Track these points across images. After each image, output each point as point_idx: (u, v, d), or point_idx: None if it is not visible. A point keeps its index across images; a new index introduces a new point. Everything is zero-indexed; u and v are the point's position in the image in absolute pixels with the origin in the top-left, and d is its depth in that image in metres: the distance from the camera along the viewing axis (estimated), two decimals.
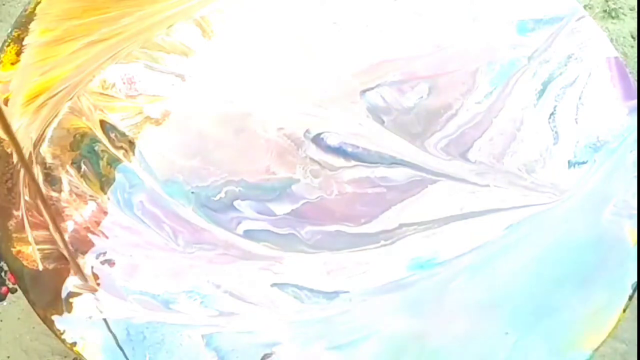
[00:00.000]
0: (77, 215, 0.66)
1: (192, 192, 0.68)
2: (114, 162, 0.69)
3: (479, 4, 0.82)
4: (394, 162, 0.72)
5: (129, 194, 0.67)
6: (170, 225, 0.66)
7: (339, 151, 0.72)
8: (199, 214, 0.67)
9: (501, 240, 0.67)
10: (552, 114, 0.75)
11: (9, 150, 0.68)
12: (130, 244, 0.64)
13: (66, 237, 0.64)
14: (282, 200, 0.69)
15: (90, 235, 0.65)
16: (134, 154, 0.70)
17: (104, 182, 0.68)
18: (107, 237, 0.65)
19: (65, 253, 0.61)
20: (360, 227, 0.68)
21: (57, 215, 0.65)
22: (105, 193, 0.67)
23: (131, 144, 0.70)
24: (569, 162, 0.72)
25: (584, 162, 0.72)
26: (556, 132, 0.73)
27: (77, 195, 0.67)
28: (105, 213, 0.66)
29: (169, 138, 0.72)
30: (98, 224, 0.65)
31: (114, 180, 0.68)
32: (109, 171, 0.68)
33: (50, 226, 0.60)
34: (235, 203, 0.68)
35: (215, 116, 0.73)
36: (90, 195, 0.67)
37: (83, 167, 0.68)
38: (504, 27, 0.80)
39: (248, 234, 0.67)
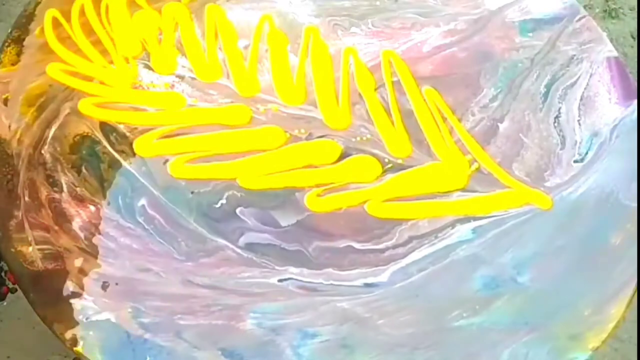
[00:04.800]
0: (77, 219, 0.66)
1: (192, 192, 0.68)
2: (114, 165, 0.69)
3: (479, 4, 0.82)
4: (402, 169, 0.71)
5: (130, 199, 0.67)
6: (172, 232, 0.66)
7: (343, 157, 0.72)
8: (201, 223, 0.66)
9: (504, 242, 0.67)
10: (556, 117, 0.75)
11: (9, 152, 0.68)
12: (131, 250, 0.64)
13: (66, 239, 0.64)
14: (286, 208, 0.68)
15: (91, 241, 0.65)
16: (134, 156, 0.69)
17: (105, 186, 0.67)
18: (108, 242, 0.65)
19: None
20: (370, 243, 0.67)
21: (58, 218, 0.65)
22: (106, 197, 0.67)
23: (132, 146, 0.70)
24: (572, 163, 0.72)
25: (585, 163, 0.72)
26: (563, 137, 0.73)
27: (77, 198, 0.66)
28: (106, 218, 0.66)
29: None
30: (98, 228, 0.65)
31: (115, 184, 0.67)
32: (109, 174, 0.68)
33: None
34: (238, 211, 0.67)
35: (215, 117, 0.73)
36: (91, 200, 0.67)
37: (83, 170, 0.68)
38: (505, 27, 0.80)
39: (250, 247, 0.65)
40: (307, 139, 0.72)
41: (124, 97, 0.73)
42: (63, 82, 0.72)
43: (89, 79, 0.73)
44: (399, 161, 0.71)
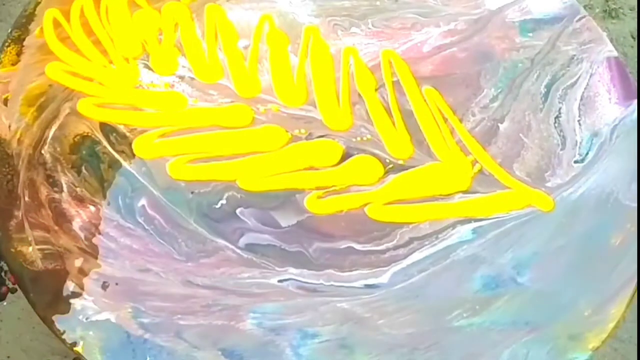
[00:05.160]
0: (77, 219, 0.66)
1: (192, 193, 0.68)
2: (114, 165, 0.69)
3: (479, 4, 0.82)
4: (403, 169, 0.71)
5: (130, 199, 0.67)
6: (172, 233, 0.66)
7: (345, 158, 0.71)
8: (201, 224, 0.66)
9: (504, 242, 0.67)
10: (557, 117, 0.75)
11: (9, 152, 0.68)
12: (131, 250, 0.64)
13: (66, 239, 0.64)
14: (286, 209, 0.68)
15: (91, 241, 0.65)
16: (134, 157, 0.69)
17: (105, 186, 0.67)
18: (108, 242, 0.65)
19: None
20: (371, 244, 0.67)
21: (58, 218, 0.65)
22: (106, 197, 0.67)
23: (132, 146, 0.70)
24: (573, 164, 0.72)
25: (585, 163, 0.72)
26: (563, 137, 0.73)
27: (77, 198, 0.66)
28: (106, 218, 0.66)
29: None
30: (98, 228, 0.65)
31: (115, 184, 0.67)
32: (110, 175, 0.68)
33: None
34: (238, 211, 0.67)
35: (216, 118, 0.73)
36: (91, 200, 0.67)
37: (83, 170, 0.68)
38: (505, 27, 0.80)
39: (251, 248, 0.65)
40: (307, 138, 0.72)
41: (124, 98, 0.73)
42: (62, 82, 0.72)
43: (89, 79, 0.73)
44: (400, 162, 0.71)
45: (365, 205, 0.69)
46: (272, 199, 0.68)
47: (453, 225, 0.68)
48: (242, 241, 0.66)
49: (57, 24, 0.76)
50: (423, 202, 0.69)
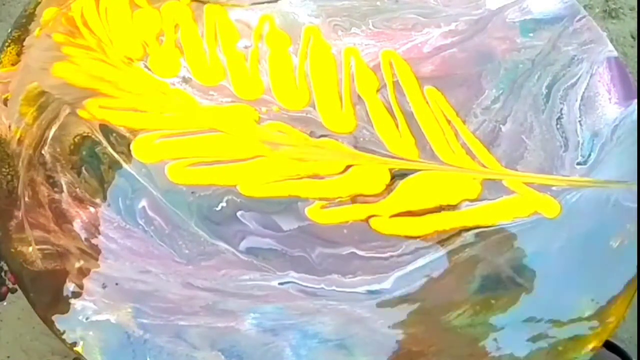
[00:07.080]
0: (77, 219, 0.66)
1: (193, 193, 0.68)
2: (114, 166, 0.69)
3: (480, 5, 0.82)
4: (406, 173, 0.71)
5: (130, 200, 0.67)
6: (172, 235, 0.65)
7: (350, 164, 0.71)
8: (201, 227, 0.66)
9: (505, 243, 0.67)
10: (558, 118, 0.74)
11: (9, 152, 0.68)
12: (131, 251, 0.64)
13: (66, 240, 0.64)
14: (288, 214, 0.67)
15: (91, 241, 0.65)
16: (134, 158, 0.69)
17: (105, 187, 0.67)
18: (108, 243, 0.65)
19: None
20: (375, 251, 0.66)
21: (58, 218, 0.65)
22: (106, 198, 0.67)
23: (131, 147, 0.70)
24: (575, 166, 0.72)
25: (587, 165, 0.72)
26: (565, 138, 0.73)
27: (77, 199, 0.66)
28: (106, 219, 0.66)
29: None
30: (98, 229, 0.65)
31: (115, 185, 0.67)
32: (110, 175, 0.68)
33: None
34: (239, 214, 0.67)
35: (219, 122, 0.73)
36: (91, 201, 0.67)
37: (83, 170, 0.68)
38: (506, 28, 0.80)
39: (252, 252, 0.65)
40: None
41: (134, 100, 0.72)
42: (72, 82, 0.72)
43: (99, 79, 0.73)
44: (405, 166, 0.71)
45: (370, 217, 0.68)
46: (274, 204, 0.68)
47: (459, 233, 0.68)
48: (243, 245, 0.65)
49: (57, 24, 0.76)
50: (429, 213, 0.68)
